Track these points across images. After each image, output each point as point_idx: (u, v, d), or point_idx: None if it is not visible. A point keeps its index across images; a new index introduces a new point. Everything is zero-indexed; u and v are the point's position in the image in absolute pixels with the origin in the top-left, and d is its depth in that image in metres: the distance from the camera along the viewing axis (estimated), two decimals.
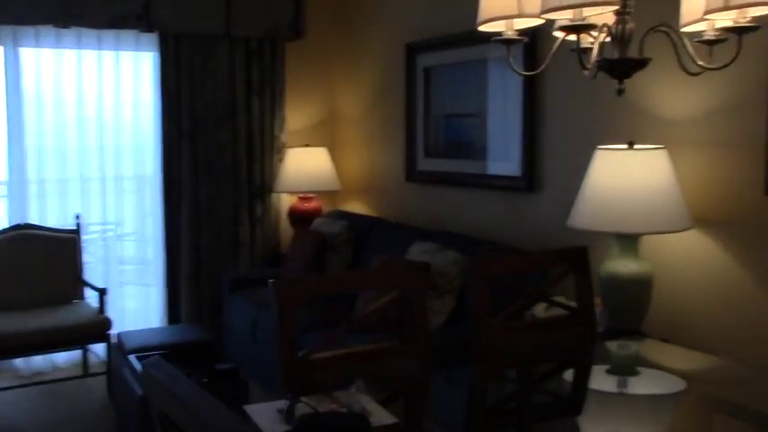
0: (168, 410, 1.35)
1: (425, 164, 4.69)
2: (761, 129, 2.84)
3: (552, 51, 1.86)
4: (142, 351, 3.79)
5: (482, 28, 1.91)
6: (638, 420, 2.14)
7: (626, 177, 3.00)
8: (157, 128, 5.05)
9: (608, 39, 1.79)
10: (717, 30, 1.79)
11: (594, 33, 1.70)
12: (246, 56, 5.19)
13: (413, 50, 4.72)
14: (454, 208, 4.43)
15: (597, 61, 1.71)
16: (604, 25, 1.66)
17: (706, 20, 1.74)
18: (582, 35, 1.87)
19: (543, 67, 1.90)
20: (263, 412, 1.92)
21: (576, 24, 1.59)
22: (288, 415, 1.81)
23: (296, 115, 5.50)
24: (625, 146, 3.06)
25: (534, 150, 3.88)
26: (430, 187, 4.65)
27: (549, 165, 3.80)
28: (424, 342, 2.35)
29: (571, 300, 2.68)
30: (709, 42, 1.80)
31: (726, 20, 1.72)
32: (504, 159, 4.06)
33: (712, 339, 2.98)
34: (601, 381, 2.46)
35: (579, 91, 3.58)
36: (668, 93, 3.17)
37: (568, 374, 2.52)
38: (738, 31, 1.64)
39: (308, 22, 5.27)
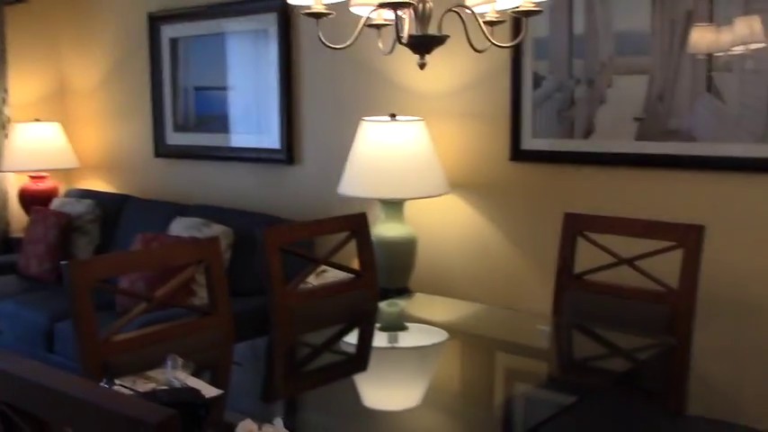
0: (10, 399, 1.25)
1: (175, 138, 4.57)
2: (506, 102, 3.20)
3: (359, 29, 1.96)
4: None
5: (291, 1, 1.95)
6: (408, 371, 2.28)
7: (389, 147, 3.21)
8: None
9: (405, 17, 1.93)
10: (497, 12, 2.01)
11: (400, 12, 1.82)
12: None
13: (156, 21, 4.55)
14: (211, 182, 4.38)
15: (401, 37, 1.84)
16: (410, 3, 1.79)
17: (490, 2, 1.95)
18: (378, 11, 2.00)
19: (350, 42, 1.98)
20: None
21: (394, 1, 1.70)
22: None
23: (22, 87, 5.02)
24: (387, 117, 3.27)
25: (293, 123, 3.97)
26: (182, 162, 4.54)
27: (310, 137, 3.92)
28: (226, 312, 2.36)
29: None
30: (491, 23, 2.02)
31: (507, 3, 1.95)
32: (263, 132, 4.10)
33: (471, 289, 3.32)
34: (373, 338, 2.62)
35: (340, 66, 3.73)
36: (425, 69, 3.42)
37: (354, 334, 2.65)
38: (524, 14, 1.87)
39: None
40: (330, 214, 3.44)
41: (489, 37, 1.91)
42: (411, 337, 2.60)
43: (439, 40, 1.89)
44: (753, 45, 2.62)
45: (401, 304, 2.99)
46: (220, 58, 4.26)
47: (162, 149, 4.64)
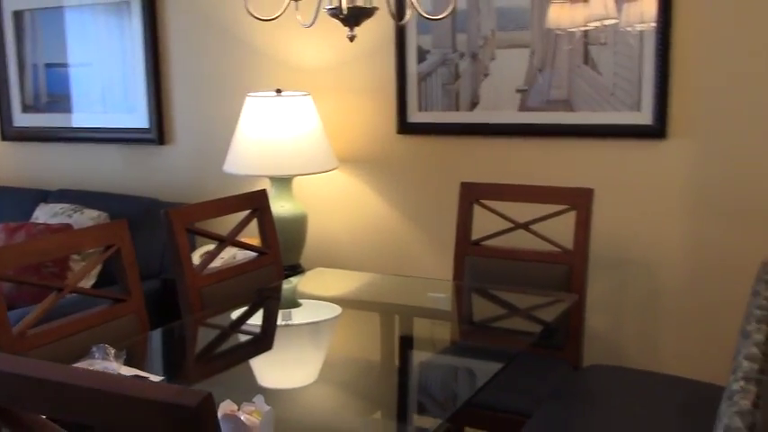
0: None
1: (25, 120, 4.24)
2: (391, 76, 3.26)
3: (286, 3, 1.93)
4: None
5: None
6: (305, 347, 2.26)
7: (276, 123, 3.17)
8: None
9: None
10: None
11: None
12: None
13: None
14: (71, 166, 4.11)
15: (337, 9, 1.83)
16: None
17: None
18: None
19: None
20: None
21: None
22: None
23: None
24: (273, 93, 3.22)
25: (162, 102, 3.81)
26: (35, 145, 4.23)
27: (183, 115, 3.78)
28: (139, 297, 2.26)
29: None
30: None
31: None
32: (129, 111, 3.90)
33: (365, 263, 3.37)
34: (275, 316, 2.58)
35: (215, 41, 3.62)
36: (310, 44, 3.40)
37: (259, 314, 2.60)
38: None
39: None
40: (208, 195, 3.36)
41: (419, 9, 1.94)
42: (307, 313, 2.56)
43: (368, 12, 1.90)
44: (610, 21, 2.83)
45: (294, 281, 2.98)
46: (75, 33, 3.99)
47: (9, 132, 4.29)
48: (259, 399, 1.42)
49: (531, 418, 2.20)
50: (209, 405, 1.01)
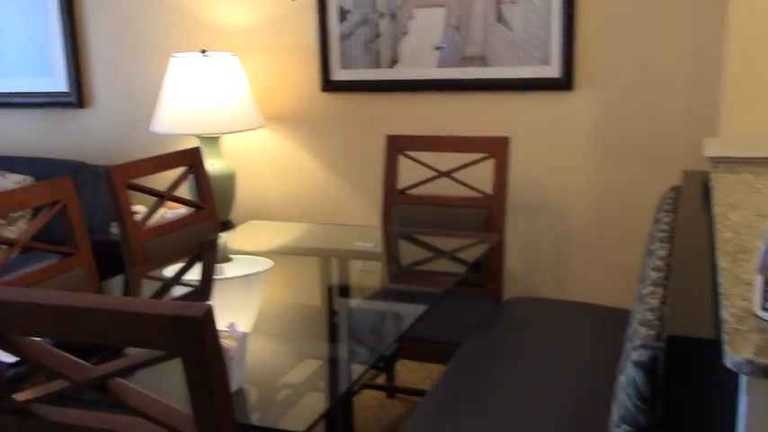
0: None
1: None
2: (314, 35, 3.37)
3: None
4: None
5: None
6: (238, 300, 2.31)
7: (202, 83, 3.25)
8: None
9: None
10: None
11: None
12: None
13: None
14: None
15: None
16: None
17: None
18: None
19: None
20: None
21: None
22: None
23: None
24: (198, 53, 3.29)
25: (81, 64, 3.80)
26: None
27: (104, 78, 3.79)
28: (87, 251, 2.34)
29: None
30: None
31: None
32: (46, 75, 3.87)
33: (295, 217, 3.51)
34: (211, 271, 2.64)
35: (136, 3, 3.63)
36: (234, 5, 3.47)
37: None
38: None
39: None
40: (135, 156, 3.41)
41: None
42: (239, 267, 2.58)
43: None
44: None
45: (224, 236, 3.09)
46: None
47: None
48: (232, 326, 1.56)
49: (460, 346, 2.42)
50: (211, 316, 1.16)
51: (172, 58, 3.28)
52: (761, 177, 2.08)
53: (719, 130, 2.60)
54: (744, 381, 1.05)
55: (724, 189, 1.95)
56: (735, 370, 1.02)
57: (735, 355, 1.02)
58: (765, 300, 1.11)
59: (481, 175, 2.92)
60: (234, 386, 1.53)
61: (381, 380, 3.11)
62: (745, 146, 2.38)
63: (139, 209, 3.37)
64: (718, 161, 2.30)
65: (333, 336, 2.03)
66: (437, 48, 3.23)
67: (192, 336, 1.14)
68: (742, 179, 2.06)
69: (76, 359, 1.28)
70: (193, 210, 2.85)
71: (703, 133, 2.89)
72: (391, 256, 2.81)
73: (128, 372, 1.24)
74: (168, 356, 1.18)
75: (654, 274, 1.65)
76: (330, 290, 2.45)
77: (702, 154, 2.42)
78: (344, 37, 3.35)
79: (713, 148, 2.37)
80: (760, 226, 1.60)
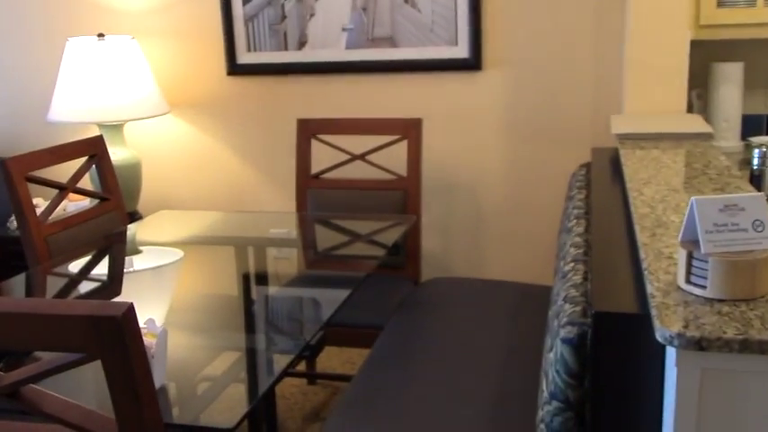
0: None
1: None
2: (217, 18, 3.27)
3: None
4: None
5: None
6: (149, 292, 2.25)
7: (101, 68, 3.11)
8: None
9: None
10: None
11: None
12: None
13: None
14: None
15: None
16: None
17: None
18: None
19: None
20: None
21: None
22: None
23: None
24: (95, 37, 3.14)
25: None
26: None
27: None
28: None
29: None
30: None
31: None
32: None
33: (203, 202, 3.41)
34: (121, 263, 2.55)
35: None
36: None
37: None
38: None
39: None
40: (31, 147, 3.24)
41: None
42: (149, 259, 2.50)
43: None
44: None
45: (133, 228, 2.98)
46: None
47: None
48: (150, 322, 1.50)
49: (382, 330, 2.41)
50: (133, 314, 1.10)
51: (67, 43, 3.12)
52: (668, 152, 2.14)
53: (623, 108, 2.67)
54: (672, 353, 1.07)
55: (634, 165, 2.00)
56: (665, 343, 1.04)
57: (665, 328, 1.04)
58: (689, 273, 1.14)
59: (395, 158, 2.91)
60: (156, 384, 1.47)
61: (302, 367, 3.08)
62: (649, 123, 2.45)
63: (38, 202, 3.21)
64: (625, 137, 2.36)
65: (251, 326, 1.97)
66: (345, 29, 3.18)
67: (113, 336, 1.08)
68: (650, 155, 2.12)
69: None
70: (97, 202, 2.73)
71: (609, 111, 2.97)
72: (308, 241, 2.78)
73: (41, 377, 1.17)
74: (87, 359, 1.11)
75: (573, 251, 1.67)
76: (246, 279, 2.39)
77: (609, 131, 2.48)
78: (249, 19, 3.26)
79: (620, 126, 2.43)
80: (673, 200, 1.64)
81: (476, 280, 2.81)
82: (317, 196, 2.95)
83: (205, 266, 2.48)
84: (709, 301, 1.12)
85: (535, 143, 3.10)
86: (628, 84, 2.60)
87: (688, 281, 1.14)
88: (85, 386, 1.58)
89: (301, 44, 3.24)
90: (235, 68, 3.32)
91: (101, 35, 3.15)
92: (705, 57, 2.86)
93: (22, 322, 1.08)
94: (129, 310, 1.09)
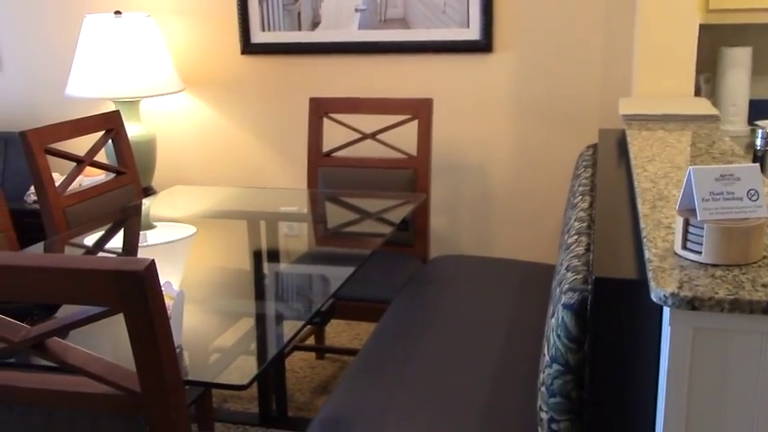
0: None
1: None
2: None
3: None
4: None
5: None
6: (163, 265, 2.24)
7: (117, 45, 3.16)
8: None
9: None
10: None
11: None
12: None
13: None
14: None
15: None
16: None
17: None
18: None
19: None
20: None
21: None
22: None
23: None
24: (112, 14, 3.19)
25: None
26: None
27: (10, 40, 3.63)
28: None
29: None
30: None
31: None
32: None
33: (216, 179, 3.47)
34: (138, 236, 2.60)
35: None
36: None
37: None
38: None
39: None
40: (49, 122, 3.30)
41: None
42: (163, 234, 2.54)
43: None
44: None
45: (147, 203, 3.04)
46: None
47: None
48: (168, 284, 1.55)
49: (390, 303, 2.47)
50: (154, 270, 1.16)
51: (84, 19, 3.18)
52: (673, 133, 2.18)
53: (632, 91, 2.71)
54: (667, 313, 1.12)
55: (640, 144, 2.04)
56: (660, 303, 1.09)
57: (659, 289, 1.09)
58: (685, 240, 1.19)
59: (405, 137, 2.95)
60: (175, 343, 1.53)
61: (311, 341, 3.14)
62: (656, 105, 2.49)
63: (55, 177, 3.27)
64: (632, 119, 2.40)
65: (262, 297, 2.02)
66: (358, 10, 3.23)
67: (135, 290, 1.14)
68: (656, 135, 2.16)
69: (11, 320, 1.26)
70: (112, 176, 2.79)
71: (618, 94, 3.00)
72: (318, 218, 2.83)
73: (66, 329, 1.23)
74: (110, 312, 1.17)
75: (577, 225, 1.72)
76: (257, 254, 2.44)
77: (618, 113, 2.52)
78: None
79: (627, 107, 2.47)
80: (675, 176, 1.69)
81: (483, 258, 2.86)
82: (328, 174, 3.00)
83: (217, 241, 2.53)
84: (704, 265, 1.17)
85: (544, 125, 3.14)
86: (637, 67, 2.64)
87: (684, 247, 1.19)
88: (104, 347, 1.65)
89: (315, 24, 3.28)
90: (249, 48, 3.37)
91: (117, 12, 3.20)
92: (714, 41, 2.89)
93: (50, 276, 1.14)
94: (151, 265, 1.14)
